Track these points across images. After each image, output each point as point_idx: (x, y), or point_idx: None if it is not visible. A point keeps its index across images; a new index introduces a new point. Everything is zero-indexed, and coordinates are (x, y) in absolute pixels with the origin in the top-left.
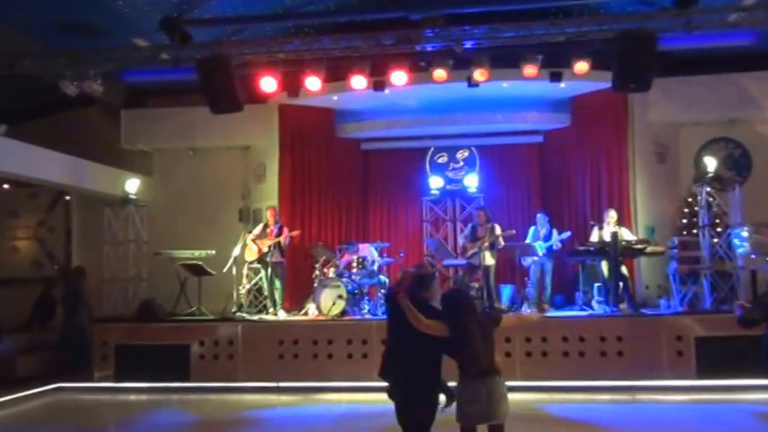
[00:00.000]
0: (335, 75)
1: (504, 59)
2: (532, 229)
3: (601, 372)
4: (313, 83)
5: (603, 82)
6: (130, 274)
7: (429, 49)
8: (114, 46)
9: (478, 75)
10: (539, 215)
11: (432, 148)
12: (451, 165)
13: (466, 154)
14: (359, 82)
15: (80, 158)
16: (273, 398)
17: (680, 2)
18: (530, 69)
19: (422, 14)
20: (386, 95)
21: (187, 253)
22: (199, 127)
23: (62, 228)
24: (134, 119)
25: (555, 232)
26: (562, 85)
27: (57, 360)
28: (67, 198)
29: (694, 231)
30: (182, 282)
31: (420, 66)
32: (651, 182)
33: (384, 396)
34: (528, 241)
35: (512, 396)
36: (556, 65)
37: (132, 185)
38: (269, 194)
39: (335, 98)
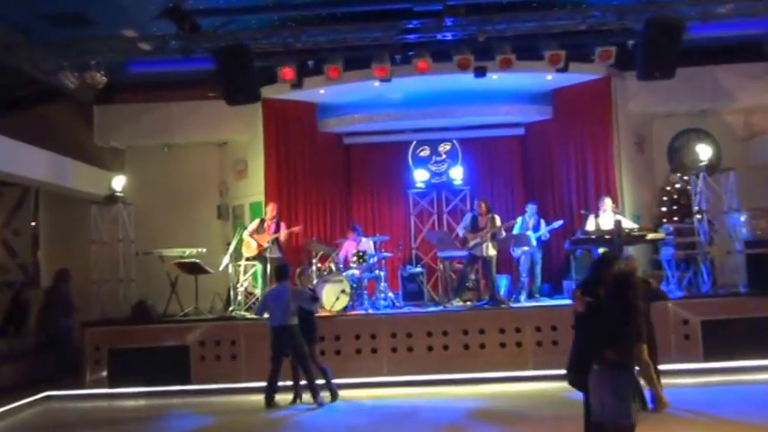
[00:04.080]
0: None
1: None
2: (520, 219)
3: None
4: (334, 72)
5: (585, 74)
6: (120, 275)
7: (447, 37)
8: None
9: (501, 64)
10: (528, 205)
11: (414, 142)
12: (434, 158)
13: (448, 147)
14: (381, 71)
15: (62, 156)
16: (280, 397)
17: None
18: (554, 58)
19: (422, 6)
20: (373, 88)
21: (177, 251)
22: (175, 123)
23: (28, 229)
24: (107, 115)
25: (543, 222)
26: (549, 77)
27: (40, 367)
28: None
29: (675, 218)
30: (172, 281)
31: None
32: (632, 171)
33: (394, 391)
34: (515, 232)
35: (530, 386)
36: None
37: (119, 183)
38: (252, 190)
39: (322, 91)
